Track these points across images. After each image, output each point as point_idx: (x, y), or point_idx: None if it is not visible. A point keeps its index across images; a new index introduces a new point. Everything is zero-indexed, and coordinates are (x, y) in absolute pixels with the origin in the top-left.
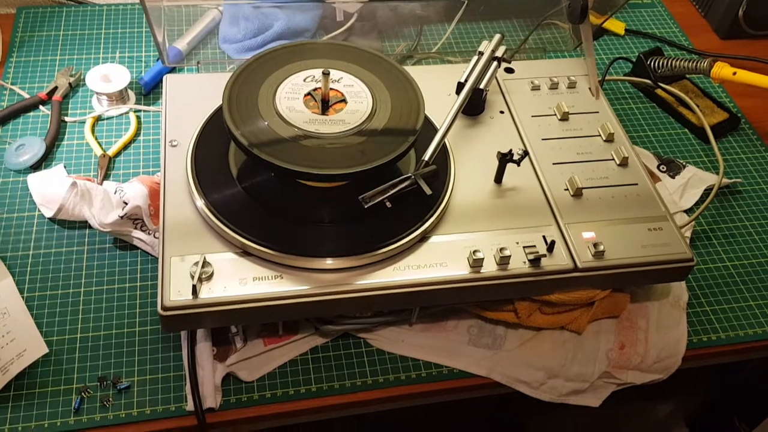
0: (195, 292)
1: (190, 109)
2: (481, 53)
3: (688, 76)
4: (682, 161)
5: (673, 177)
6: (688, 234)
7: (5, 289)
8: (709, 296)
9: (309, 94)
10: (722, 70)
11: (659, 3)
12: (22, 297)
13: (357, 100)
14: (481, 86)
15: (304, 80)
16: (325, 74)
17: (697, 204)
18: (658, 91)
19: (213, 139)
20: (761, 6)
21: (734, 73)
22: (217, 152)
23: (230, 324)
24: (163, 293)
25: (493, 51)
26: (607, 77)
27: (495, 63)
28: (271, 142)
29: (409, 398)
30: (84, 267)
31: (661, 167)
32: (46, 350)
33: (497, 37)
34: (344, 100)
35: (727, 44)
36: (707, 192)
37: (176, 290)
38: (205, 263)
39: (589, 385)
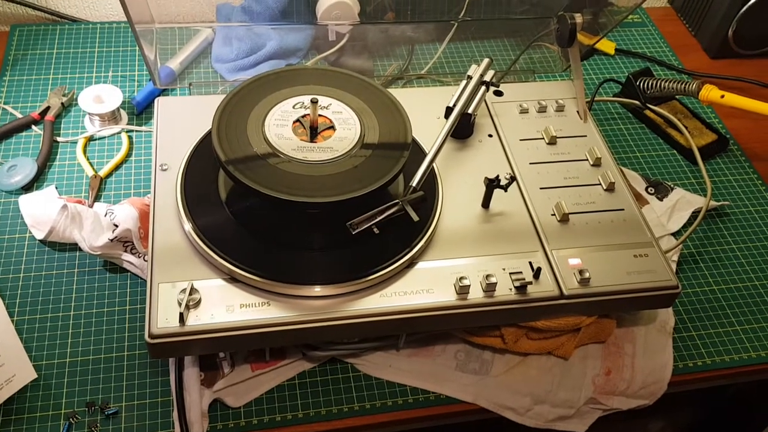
0: (182, 319)
1: (181, 132)
2: (469, 77)
3: (677, 97)
4: (670, 183)
5: (661, 199)
6: (675, 257)
7: None
8: (695, 321)
9: (298, 120)
10: (710, 92)
11: (650, 22)
12: (12, 320)
13: (345, 126)
14: (470, 110)
15: (293, 107)
16: (314, 102)
17: (685, 227)
18: (647, 112)
19: (203, 162)
20: (750, 26)
21: (722, 96)
22: (207, 176)
23: (217, 351)
24: (150, 320)
25: (482, 75)
26: (597, 98)
27: (483, 87)
28: (259, 169)
29: (396, 424)
30: (74, 290)
31: (649, 189)
32: (34, 375)
33: (486, 61)
34: (333, 127)
35: (716, 63)
36: (695, 214)
37: (163, 317)
38: (192, 290)
39: (576, 411)
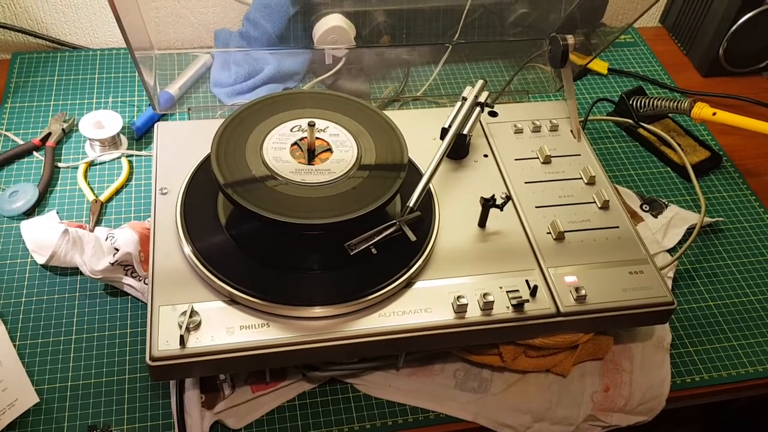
0: (183, 342)
1: (180, 157)
2: (464, 98)
3: (670, 115)
4: (664, 200)
5: (655, 216)
6: (671, 274)
7: None
8: (692, 336)
9: (296, 143)
10: (702, 110)
11: (642, 42)
12: (14, 345)
13: (342, 149)
14: (465, 131)
15: (291, 130)
16: (311, 125)
17: (680, 243)
18: (641, 131)
19: (202, 186)
20: (741, 44)
21: (714, 114)
22: (206, 200)
23: (218, 373)
24: (151, 343)
25: (476, 96)
26: (590, 117)
27: (478, 108)
28: (257, 192)
29: None
30: (75, 314)
31: (643, 207)
32: (37, 399)
33: (480, 83)
34: (330, 150)
35: (708, 81)
36: (690, 231)
37: (164, 340)
38: (192, 312)
39: (575, 428)
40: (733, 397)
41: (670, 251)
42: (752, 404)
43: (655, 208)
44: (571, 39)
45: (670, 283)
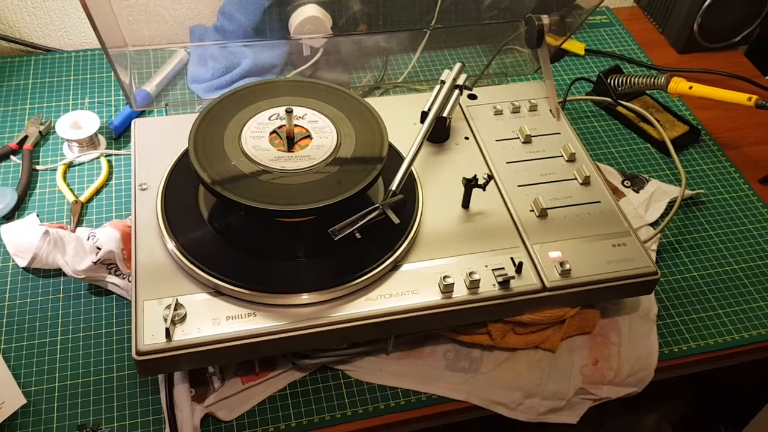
0: (168, 335)
1: (159, 152)
2: (443, 82)
3: (647, 92)
4: (645, 176)
5: (637, 191)
6: (654, 247)
7: None
8: (678, 307)
9: (274, 131)
10: (679, 85)
11: (617, 22)
12: None
13: (322, 135)
14: (445, 114)
15: (269, 118)
16: (288, 112)
17: (662, 217)
18: (620, 108)
19: (182, 180)
20: (715, 19)
21: (690, 87)
22: (187, 193)
23: (207, 365)
24: (137, 338)
25: (455, 79)
26: (569, 98)
27: (457, 91)
28: (238, 181)
29: (390, 427)
30: (60, 315)
31: (625, 182)
32: (24, 401)
33: (458, 65)
34: (309, 136)
35: (684, 58)
36: (671, 204)
37: (150, 334)
38: (177, 305)
39: (566, 403)
40: (720, 366)
41: (653, 225)
42: (738, 374)
43: (637, 183)
44: (546, 19)
45: (654, 255)
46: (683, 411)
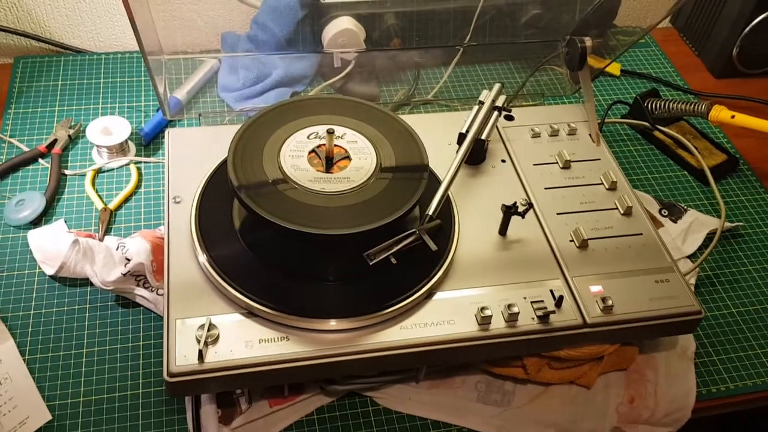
0: (201, 356)
1: (193, 164)
2: (481, 103)
3: (684, 117)
4: (683, 205)
5: (675, 221)
6: (692, 281)
7: (7, 352)
8: (716, 345)
9: (313, 151)
10: (720, 113)
11: (653, 43)
12: (24, 359)
13: (361, 156)
14: (483, 137)
15: (308, 137)
16: (330, 132)
17: (701, 249)
18: (656, 133)
19: (217, 195)
20: (754, 45)
21: (732, 117)
22: (221, 209)
23: (236, 388)
24: (168, 358)
25: (494, 101)
26: (605, 120)
27: (495, 113)
28: (275, 201)
29: None
30: (86, 327)
31: (662, 212)
32: (49, 417)
33: (497, 86)
34: (348, 157)
35: (721, 83)
36: (710, 236)
37: (182, 355)
38: (211, 326)
39: None
40: (757, 406)
41: (691, 257)
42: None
43: (674, 213)
44: (588, 41)
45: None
46: None
